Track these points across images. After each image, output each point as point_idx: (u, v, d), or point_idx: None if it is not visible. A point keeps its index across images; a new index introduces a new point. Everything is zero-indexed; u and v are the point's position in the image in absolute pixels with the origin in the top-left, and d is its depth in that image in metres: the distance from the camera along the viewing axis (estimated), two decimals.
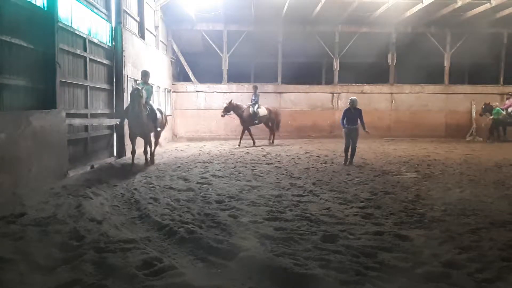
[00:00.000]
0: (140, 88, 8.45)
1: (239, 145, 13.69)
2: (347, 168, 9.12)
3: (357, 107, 9.60)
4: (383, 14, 15.49)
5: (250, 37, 17.13)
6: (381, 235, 4.28)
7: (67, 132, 7.34)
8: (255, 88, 14.67)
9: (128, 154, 9.50)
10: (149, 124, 8.82)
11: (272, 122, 14.87)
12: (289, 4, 14.66)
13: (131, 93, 8.54)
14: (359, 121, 9.61)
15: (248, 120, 14.03)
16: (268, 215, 4.98)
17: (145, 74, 9.29)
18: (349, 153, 9.66)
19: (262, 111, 14.36)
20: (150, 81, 9.59)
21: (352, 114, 9.55)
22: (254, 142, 14.19)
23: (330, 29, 17.49)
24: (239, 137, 14.25)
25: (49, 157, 6.30)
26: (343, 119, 9.60)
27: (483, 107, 16.24)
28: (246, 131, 14.17)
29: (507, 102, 16.28)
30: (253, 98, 14.38)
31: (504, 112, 15.88)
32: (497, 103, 16.25)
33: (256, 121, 14.29)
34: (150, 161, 9.22)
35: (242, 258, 3.46)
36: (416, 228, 4.58)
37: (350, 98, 9.74)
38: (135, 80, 10.81)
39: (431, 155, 11.59)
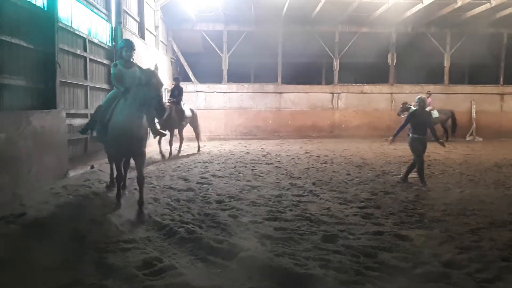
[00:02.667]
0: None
1: (163, 155, 10.24)
2: (347, 168, 9.11)
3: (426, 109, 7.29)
4: (383, 14, 15.49)
5: (250, 37, 17.13)
6: (381, 235, 4.29)
7: (67, 132, 7.33)
8: (177, 80, 11.91)
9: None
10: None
11: (195, 126, 12.22)
12: (289, 4, 14.65)
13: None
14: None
15: (176, 121, 10.80)
16: (268, 215, 4.99)
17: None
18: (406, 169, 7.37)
19: (188, 111, 11.61)
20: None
21: (421, 118, 7.07)
22: (170, 154, 10.65)
23: (330, 29, 17.50)
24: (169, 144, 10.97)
25: (49, 157, 6.29)
26: (414, 124, 7.04)
27: (401, 107, 15.87)
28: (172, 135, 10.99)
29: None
30: (176, 93, 11.36)
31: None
32: (414, 103, 15.90)
33: (184, 122, 11.38)
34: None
35: (242, 258, 3.47)
36: (416, 228, 4.59)
37: (418, 97, 7.32)
38: None
39: (431, 155, 11.58)
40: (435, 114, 15.70)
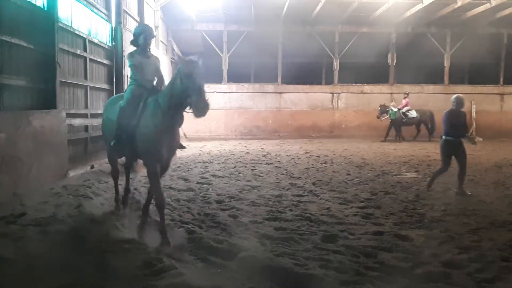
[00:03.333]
0: None
1: None
2: (347, 168, 9.10)
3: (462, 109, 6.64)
4: (383, 14, 15.49)
5: (250, 37, 17.14)
6: (381, 235, 4.29)
7: (67, 132, 7.33)
8: None
9: None
10: None
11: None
12: (289, 4, 14.66)
13: None
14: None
15: None
16: (268, 215, 4.99)
17: None
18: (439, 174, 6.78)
19: None
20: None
21: (459, 119, 6.52)
22: None
23: (330, 29, 17.51)
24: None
25: (49, 157, 6.29)
26: (450, 126, 6.44)
27: (379, 108, 15.98)
28: None
29: (403, 101, 16.07)
30: None
31: (396, 110, 15.60)
32: (394, 103, 15.98)
33: None
34: None
35: (242, 258, 3.46)
36: (416, 228, 4.59)
37: (456, 95, 6.67)
38: None
39: (431, 155, 11.58)
40: (413, 114, 15.77)
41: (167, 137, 4.09)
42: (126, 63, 10.66)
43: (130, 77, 4.68)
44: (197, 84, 3.77)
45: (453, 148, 6.39)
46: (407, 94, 16.24)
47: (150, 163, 4.13)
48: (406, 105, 15.90)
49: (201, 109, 3.78)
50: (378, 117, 16.03)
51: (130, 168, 5.37)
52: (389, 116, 15.77)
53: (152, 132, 4.04)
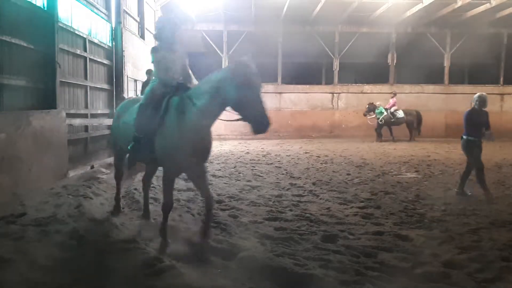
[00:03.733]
0: None
1: None
2: (347, 168, 9.10)
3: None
4: (383, 14, 15.50)
5: (250, 37, 17.14)
6: (381, 235, 4.29)
7: (67, 132, 7.33)
8: (151, 73, 9.21)
9: None
10: None
11: None
12: (289, 4, 14.66)
13: None
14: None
15: None
16: (268, 215, 4.99)
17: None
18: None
19: None
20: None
21: (480, 119, 6.18)
22: None
23: (330, 29, 17.51)
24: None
25: (49, 157, 6.29)
26: (471, 125, 6.16)
27: (367, 107, 15.99)
28: None
29: (391, 101, 16.07)
30: None
31: (385, 113, 15.62)
32: (380, 103, 15.98)
33: None
34: None
35: (242, 258, 3.46)
36: (416, 228, 4.59)
37: (479, 94, 6.30)
38: (135, 80, 10.71)
39: (431, 155, 11.58)
40: (400, 114, 15.78)
41: (199, 141, 3.66)
42: (126, 63, 10.68)
43: (153, 75, 4.24)
44: (259, 98, 3.38)
45: (478, 147, 6.15)
46: (395, 94, 16.29)
47: (171, 170, 3.82)
48: (393, 105, 15.93)
49: (263, 126, 3.45)
50: (364, 115, 16.06)
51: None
52: (375, 116, 15.81)
53: (178, 136, 3.58)
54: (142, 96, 4.31)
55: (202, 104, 3.54)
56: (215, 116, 3.63)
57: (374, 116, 15.87)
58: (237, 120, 3.54)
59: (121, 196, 5.17)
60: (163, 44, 4.14)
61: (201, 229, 3.86)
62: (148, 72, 9.67)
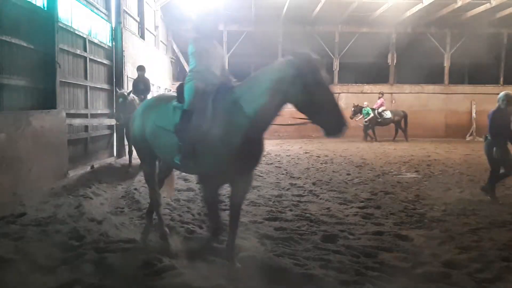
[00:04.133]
0: None
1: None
2: (347, 168, 9.09)
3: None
4: (383, 14, 15.51)
5: (250, 37, 17.14)
6: (381, 235, 4.29)
7: (67, 132, 7.33)
8: (142, 70, 9.31)
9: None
10: None
11: None
12: (289, 4, 14.66)
13: None
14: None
15: None
16: (268, 215, 4.98)
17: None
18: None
19: None
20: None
21: (506, 118, 5.72)
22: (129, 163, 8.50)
23: (330, 29, 17.52)
24: None
25: (49, 157, 6.29)
26: (496, 126, 5.76)
27: (353, 109, 16.00)
28: None
29: (378, 101, 16.12)
30: (141, 86, 9.13)
31: (371, 113, 15.67)
32: (367, 103, 16.05)
33: None
34: None
35: (242, 258, 3.46)
36: (416, 228, 4.58)
37: (506, 92, 5.89)
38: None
39: (431, 155, 11.58)
40: (388, 114, 15.81)
41: (249, 152, 3.13)
42: (126, 63, 10.66)
43: (190, 70, 3.59)
44: (332, 97, 2.89)
45: (501, 149, 5.73)
46: (382, 94, 16.38)
47: (209, 185, 3.25)
48: (381, 105, 15.95)
49: (338, 128, 3.02)
50: (351, 118, 16.05)
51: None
52: (363, 116, 15.82)
53: (225, 151, 3.03)
54: (172, 94, 3.80)
55: (255, 111, 3.00)
56: (271, 121, 3.13)
57: (361, 117, 15.94)
58: (303, 124, 3.11)
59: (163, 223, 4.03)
60: (203, 37, 3.63)
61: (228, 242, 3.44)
62: (139, 68, 9.13)
